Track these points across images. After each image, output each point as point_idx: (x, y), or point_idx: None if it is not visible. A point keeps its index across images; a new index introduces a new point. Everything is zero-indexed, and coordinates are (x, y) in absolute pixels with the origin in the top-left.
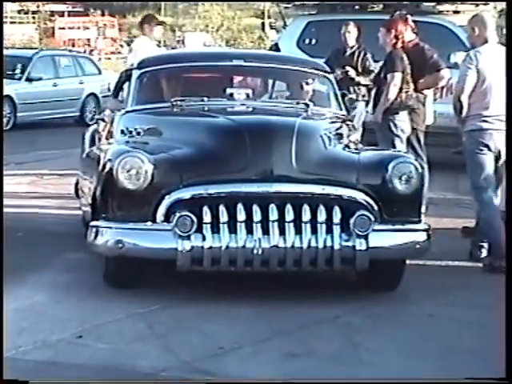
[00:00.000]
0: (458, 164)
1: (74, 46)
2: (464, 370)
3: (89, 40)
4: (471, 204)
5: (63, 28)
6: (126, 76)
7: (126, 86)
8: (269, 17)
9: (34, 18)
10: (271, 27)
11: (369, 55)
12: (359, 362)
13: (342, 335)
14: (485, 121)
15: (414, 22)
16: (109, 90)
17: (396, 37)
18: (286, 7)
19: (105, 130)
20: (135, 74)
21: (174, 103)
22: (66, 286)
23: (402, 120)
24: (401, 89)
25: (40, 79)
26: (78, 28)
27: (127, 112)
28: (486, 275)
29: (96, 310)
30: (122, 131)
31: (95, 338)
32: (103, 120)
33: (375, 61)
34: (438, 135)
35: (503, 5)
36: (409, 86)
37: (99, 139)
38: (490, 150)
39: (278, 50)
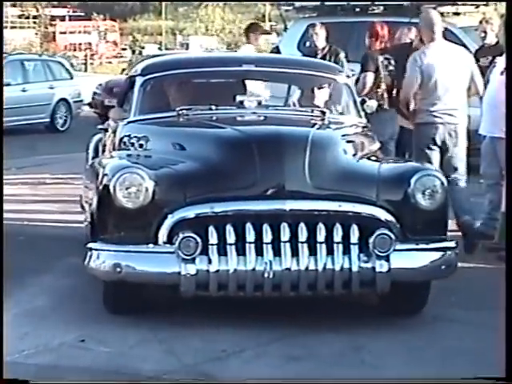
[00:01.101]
0: None
1: (75, 50)
2: (465, 372)
3: (90, 44)
4: None
5: (64, 32)
6: (130, 83)
7: (129, 93)
8: (270, 20)
9: (34, 22)
10: (271, 29)
11: (342, 54)
12: (361, 364)
13: (344, 338)
14: (432, 115)
15: (414, 23)
16: (79, 94)
17: (371, 38)
18: (286, 10)
19: (108, 141)
20: (139, 81)
21: (180, 112)
22: (68, 289)
23: (381, 122)
24: (372, 88)
25: (8, 84)
26: (79, 32)
27: (130, 122)
28: (487, 277)
29: (98, 313)
30: (124, 143)
31: (97, 342)
32: (106, 130)
33: (349, 61)
34: None
35: (503, 7)
36: (381, 86)
37: (103, 150)
38: (435, 143)
39: (278, 52)
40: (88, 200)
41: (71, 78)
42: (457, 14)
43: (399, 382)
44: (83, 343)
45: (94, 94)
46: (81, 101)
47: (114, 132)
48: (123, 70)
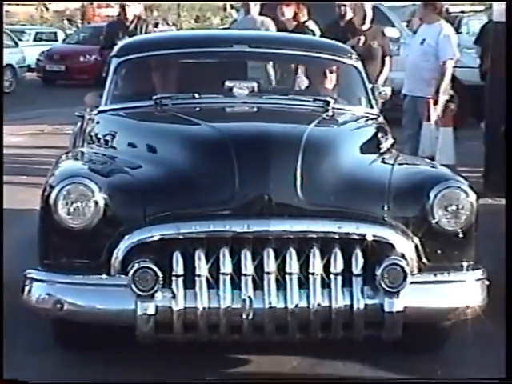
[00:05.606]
0: None
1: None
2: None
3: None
4: None
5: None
6: (107, 65)
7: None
8: None
9: None
10: (232, 7)
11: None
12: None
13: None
14: None
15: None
16: (24, 60)
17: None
18: None
19: (80, 133)
20: (113, 63)
21: (157, 101)
22: None
23: None
24: None
25: None
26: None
27: (100, 112)
28: None
29: None
30: (91, 137)
31: None
32: (83, 118)
33: None
34: None
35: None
36: None
37: (75, 144)
38: None
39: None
40: None
41: (16, 46)
42: None
43: (399, 381)
44: None
45: (38, 60)
46: (27, 66)
47: (88, 122)
48: (64, 39)
